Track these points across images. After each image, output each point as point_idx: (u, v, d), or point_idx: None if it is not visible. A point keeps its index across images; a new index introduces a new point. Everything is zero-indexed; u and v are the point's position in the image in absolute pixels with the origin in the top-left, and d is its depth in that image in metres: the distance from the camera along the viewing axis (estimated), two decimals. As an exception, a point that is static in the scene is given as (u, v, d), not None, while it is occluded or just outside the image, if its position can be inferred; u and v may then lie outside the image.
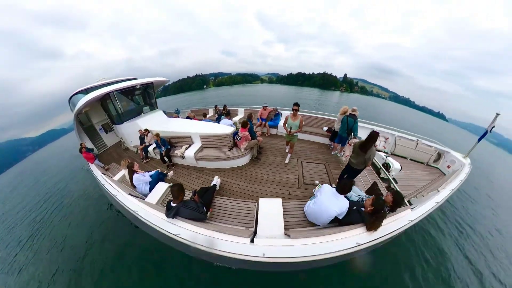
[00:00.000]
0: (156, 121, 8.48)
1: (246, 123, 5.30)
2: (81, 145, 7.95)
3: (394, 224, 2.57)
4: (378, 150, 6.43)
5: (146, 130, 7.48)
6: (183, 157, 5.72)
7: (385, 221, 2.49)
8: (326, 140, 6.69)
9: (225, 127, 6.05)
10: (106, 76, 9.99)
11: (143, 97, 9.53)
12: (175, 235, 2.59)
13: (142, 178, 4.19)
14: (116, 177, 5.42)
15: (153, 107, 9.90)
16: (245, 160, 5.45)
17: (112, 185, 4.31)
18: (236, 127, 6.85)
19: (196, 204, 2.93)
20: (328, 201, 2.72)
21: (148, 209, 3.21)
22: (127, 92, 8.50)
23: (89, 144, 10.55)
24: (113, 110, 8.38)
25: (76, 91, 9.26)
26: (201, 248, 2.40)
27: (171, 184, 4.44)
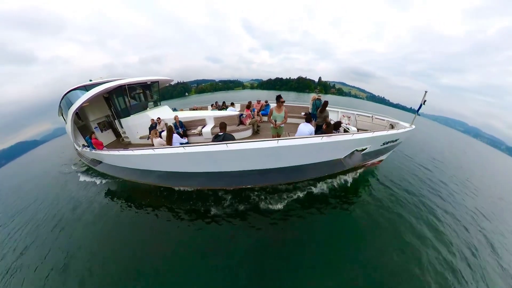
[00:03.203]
0: (165, 113, 9.59)
1: (249, 105, 7.12)
2: (92, 132, 8.74)
3: (341, 136, 4.82)
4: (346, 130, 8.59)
5: (159, 118, 8.64)
6: (200, 133, 7.21)
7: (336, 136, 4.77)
8: (304, 121, 8.85)
9: (232, 111, 7.74)
10: (102, 76, 10.51)
11: (143, 95, 10.29)
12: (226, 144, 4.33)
13: (179, 138, 5.64)
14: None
15: (157, 103, 10.99)
16: (249, 133, 7.17)
17: (143, 149, 5.60)
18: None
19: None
20: (303, 128, 5.05)
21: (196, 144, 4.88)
22: (130, 89, 9.16)
23: (83, 142, 10.70)
24: (120, 105, 9.05)
25: (74, 87, 9.43)
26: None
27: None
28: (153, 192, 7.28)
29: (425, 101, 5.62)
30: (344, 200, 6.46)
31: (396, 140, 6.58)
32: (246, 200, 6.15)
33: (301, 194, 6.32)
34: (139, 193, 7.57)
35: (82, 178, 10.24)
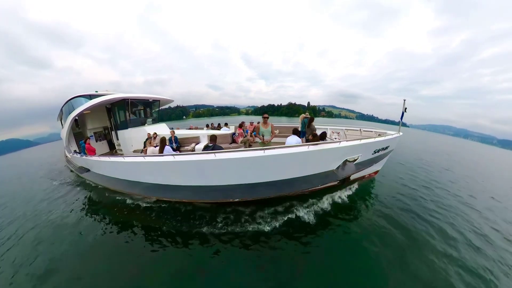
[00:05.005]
0: (162, 130, 10.02)
1: (241, 125, 7.71)
2: (87, 137, 8.84)
3: (328, 144, 4.93)
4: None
5: (155, 133, 9.00)
6: (193, 150, 7.55)
7: (322, 144, 4.91)
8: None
9: (226, 131, 8.28)
10: (109, 89, 10.95)
11: (144, 112, 10.92)
12: (214, 153, 4.49)
13: (170, 150, 5.91)
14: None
15: (155, 121, 11.52)
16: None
17: (135, 156, 5.73)
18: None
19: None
20: (289, 139, 5.22)
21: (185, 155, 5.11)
22: (132, 104, 9.70)
23: (75, 149, 10.74)
24: (120, 117, 9.39)
25: (78, 95, 9.89)
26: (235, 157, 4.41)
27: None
28: (135, 210, 6.38)
29: (406, 108, 5.85)
30: (340, 223, 5.24)
31: (387, 148, 6.63)
32: (226, 223, 5.14)
33: (284, 218, 5.19)
34: (118, 211, 6.51)
35: (63, 187, 9.59)
